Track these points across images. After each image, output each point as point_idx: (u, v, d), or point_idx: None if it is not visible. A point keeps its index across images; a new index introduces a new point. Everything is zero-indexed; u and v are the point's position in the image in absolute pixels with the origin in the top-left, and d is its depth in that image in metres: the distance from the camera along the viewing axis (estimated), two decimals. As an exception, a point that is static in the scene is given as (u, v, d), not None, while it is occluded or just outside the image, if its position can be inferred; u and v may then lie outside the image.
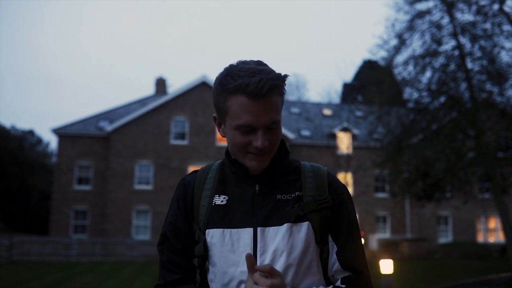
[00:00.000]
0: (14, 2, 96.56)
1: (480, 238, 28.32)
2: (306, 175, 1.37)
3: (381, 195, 27.93)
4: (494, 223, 28.52)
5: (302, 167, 1.40)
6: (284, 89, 1.31)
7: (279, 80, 1.24)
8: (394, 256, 21.60)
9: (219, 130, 1.36)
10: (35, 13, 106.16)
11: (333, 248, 1.33)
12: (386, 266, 8.47)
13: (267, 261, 1.26)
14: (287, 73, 1.30)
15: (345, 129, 28.14)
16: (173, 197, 1.42)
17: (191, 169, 25.96)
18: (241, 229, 1.29)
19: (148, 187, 25.83)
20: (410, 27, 14.84)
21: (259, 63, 1.29)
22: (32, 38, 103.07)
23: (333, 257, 1.32)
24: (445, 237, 28.01)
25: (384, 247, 25.23)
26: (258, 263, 1.26)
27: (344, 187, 1.39)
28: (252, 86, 1.19)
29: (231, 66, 1.28)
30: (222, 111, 1.28)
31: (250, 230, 1.29)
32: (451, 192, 16.11)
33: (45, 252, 20.60)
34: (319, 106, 33.04)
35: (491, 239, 28.42)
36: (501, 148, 15.43)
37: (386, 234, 28.07)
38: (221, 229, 1.30)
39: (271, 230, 1.29)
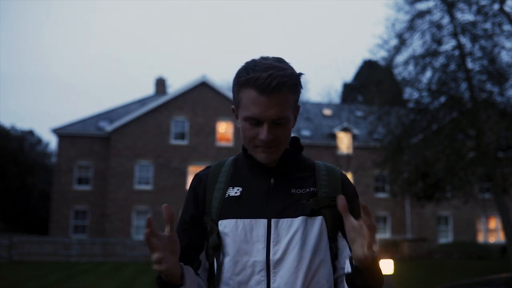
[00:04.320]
0: (14, 2, 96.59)
1: (481, 238, 28.31)
2: (320, 172, 1.40)
3: (381, 195, 27.92)
4: (494, 223, 28.51)
5: (316, 165, 1.43)
6: (300, 87, 1.34)
7: (289, 78, 1.27)
8: (394, 256, 21.58)
9: (237, 123, 1.39)
10: (35, 14, 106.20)
11: (345, 247, 1.34)
12: (386, 266, 8.46)
13: (280, 252, 1.28)
14: (301, 72, 1.32)
15: (345, 129, 28.13)
16: (187, 193, 1.45)
17: (191, 169, 25.98)
18: (255, 220, 1.31)
19: (148, 187, 25.82)
20: (410, 27, 14.82)
21: (279, 60, 1.32)
22: (32, 38, 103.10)
23: (345, 252, 1.33)
24: (445, 237, 28.00)
25: (384, 247, 25.20)
26: (271, 254, 1.28)
27: (354, 189, 1.43)
28: (261, 80, 1.23)
29: (252, 60, 1.32)
30: (236, 102, 1.33)
31: (264, 221, 1.31)
32: (451, 192, 16.08)
33: (45, 252, 20.59)
34: (319, 106, 33.03)
35: (492, 239, 28.41)
36: (502, 148, 15.40)
37: (386, 234, 28.06)
38: (235, 220, 1.31)
39: (284, 222, 1.30)
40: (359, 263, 1.17)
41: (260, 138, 1.28)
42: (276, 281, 1.26)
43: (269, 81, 1.23)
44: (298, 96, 1.37)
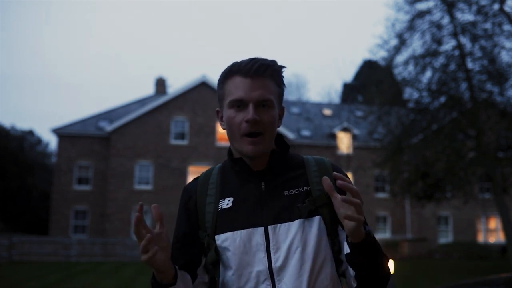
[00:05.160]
0: (14, 2, 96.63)
1: (481, 238, 28.31)
2: (311, 169, 1.37)
3: (381, 195, 27.91)
4: (494, 223, 28.51)
5: (305, 161, 1.40)
6: (282, 81, 1.37)
7: (271, 63, 1.33)
8: (395, 256, 21.60)
9: (221, 124, 1.39)
10: (35, 13, 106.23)
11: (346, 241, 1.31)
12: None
13: (281, 258, 1.27)
14: (283, 65, 1.36)
15: (345, 129, 28.13)
16: (178, 208, 1.42)
17: (191, 169, 25.96)
18: (251, 229, 1.29)
19: (148, 187, 25.82)
20: (410, 27, 14.82)
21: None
22: (32, 38, 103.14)
23: (345, 244, 1.30)
24: (445, 237, 28.00)
25: (385, 247, 25.22)
26: (273, 262, 1.27)
27: (347, 177, 1.41)
28: (244, 64, 1.30)
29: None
30: (221, 96, 1.35)
31: (261, 230, 1.29)
32: (451, 192, 16.07)
33: (45, 252, 20.58)
34: (319, 106, 33.03)
35: (492, 239, 28.41)
36: (501, 148, 15.40)
37: (386, 234, 28.06)
38: (231, 232, 1.29)
39: (282, 227, 1.28)
40: (353, 236, 1.16)
41: (245, 120, 1.27)
42: None
43: (252, 63, 1.29)
44: (282, 91, 1.37)
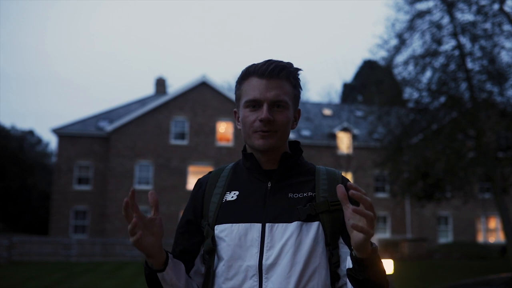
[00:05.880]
0: (15, 2, 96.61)
1: (480, 238, 28.30)
2: (320, 177, 1.39)
3: (381, 195, 27.91)
4: (494, 223, 28.51)
5: (316, 170, 1.42)
6: (298, 83, 1.40)
7: (287, 65, 1.36)
8: (394, 256, 21.57)
9: (237, 125, 1.42)
10: (36, 14, 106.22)
11: (347, 254, 1.28)
12: (386, 266, 8.46)
13: (272, 257, 1.27)
14: (299, 68, 1.39)
15: (345, 129, 28.12)
16: (189, 198, 1.47)
17: (191, 169, 25.96)
18: (249, 224, 1.31)
19: (148, 187, 25.81)
20: (410, 27, 14.82)
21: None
22: (33, 38, 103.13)
23: (348, 259, 1.26)
24: (445, 237, 28.00)
25: (384, 247, 25.21)
26: (264, 259, 1.27)
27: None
28: (260, 66, 1.34)
29: None
30: (238, 97, 1.39)
31: (258, 226, 1.30)
32: (451, 192, 16.07)
33: (45, 252, 20.58)
34: (319, 106, 33.02)
35: (491, 239, 28.40)
36: (501, 148, 15.41)
37: (386, 234, 28.06)
38: (230, 224, 1.32)
39: (279, 227, 1.29)
40: (359, 250, 1.13)
41: (259, 119, 1.30)
42: (268, 287, 1.25)
43: (267, 65, 1.33)
44: (298, 93, 1.40)
